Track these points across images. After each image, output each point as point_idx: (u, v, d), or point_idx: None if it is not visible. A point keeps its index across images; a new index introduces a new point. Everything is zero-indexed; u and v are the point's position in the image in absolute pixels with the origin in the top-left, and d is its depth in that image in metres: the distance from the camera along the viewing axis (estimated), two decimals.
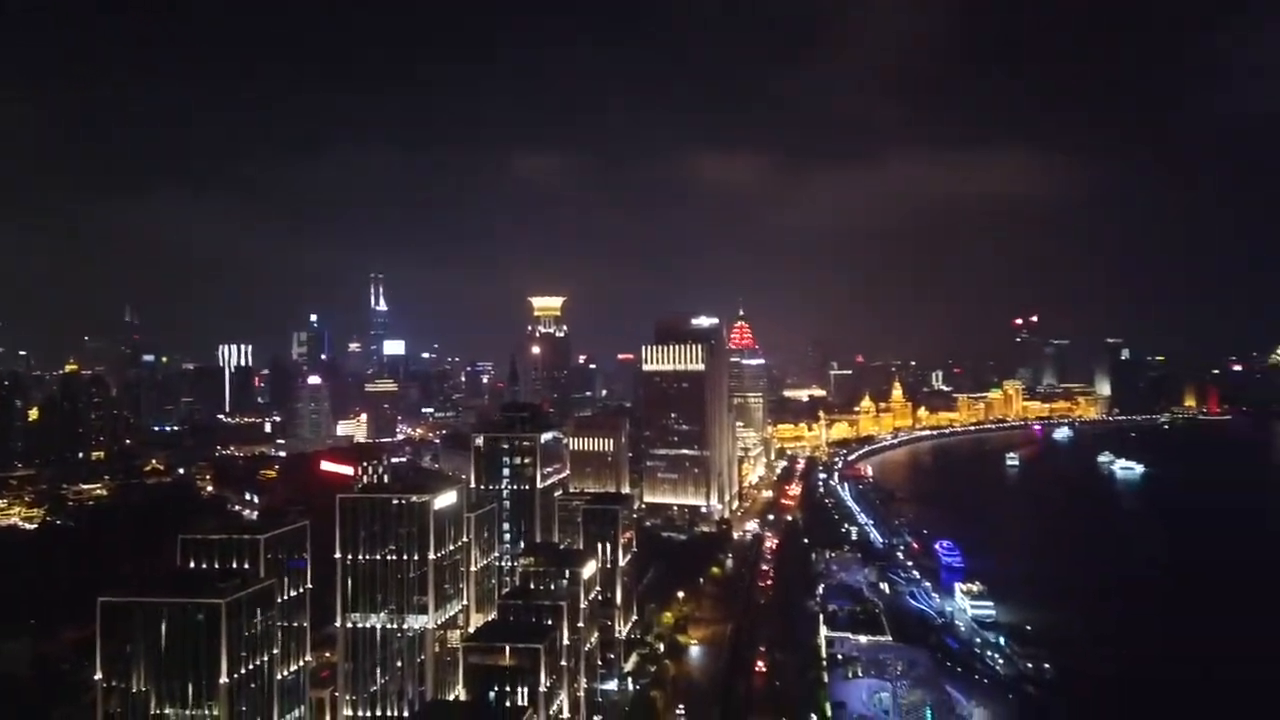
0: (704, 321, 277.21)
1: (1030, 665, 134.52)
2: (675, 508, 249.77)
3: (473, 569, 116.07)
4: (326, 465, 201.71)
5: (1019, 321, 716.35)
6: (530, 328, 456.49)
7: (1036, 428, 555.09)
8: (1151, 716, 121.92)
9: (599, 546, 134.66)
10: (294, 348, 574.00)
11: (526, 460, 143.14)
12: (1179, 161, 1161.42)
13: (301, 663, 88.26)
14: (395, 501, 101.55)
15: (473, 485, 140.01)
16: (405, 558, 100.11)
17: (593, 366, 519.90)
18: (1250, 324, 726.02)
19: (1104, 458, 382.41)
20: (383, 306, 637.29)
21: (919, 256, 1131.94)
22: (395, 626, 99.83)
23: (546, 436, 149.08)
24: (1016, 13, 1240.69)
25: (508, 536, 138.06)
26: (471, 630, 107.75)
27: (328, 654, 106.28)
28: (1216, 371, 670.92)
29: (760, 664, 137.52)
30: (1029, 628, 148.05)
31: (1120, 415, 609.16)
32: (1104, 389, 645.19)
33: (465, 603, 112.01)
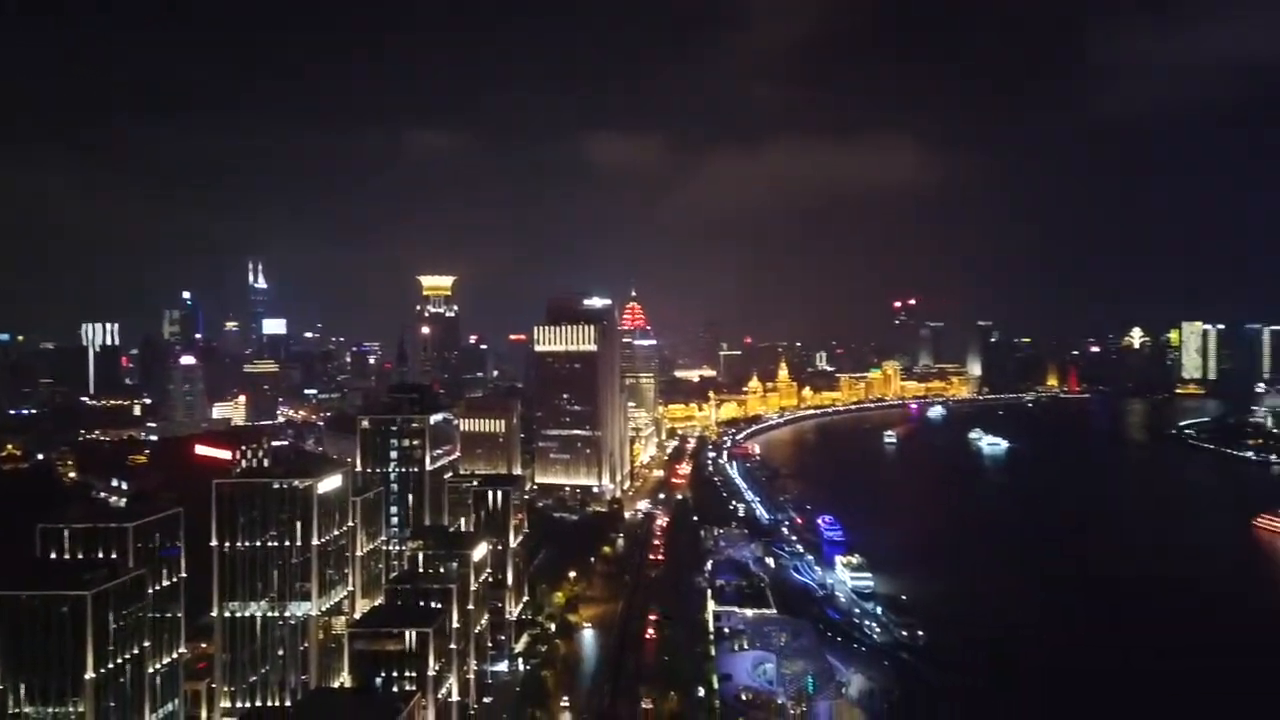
0: (596, 302, 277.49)
1: (904, 633, 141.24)
2: (567, 488, 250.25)
3: (358, 554, 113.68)
4: (202, 449, 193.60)
5: (898, 305, 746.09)
6: (419, 307, 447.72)
7: (913, 406, 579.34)
8: (1015, 677, 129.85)
9: (490, 528, 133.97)
10: (166, 327, 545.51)
11: (415, 442, 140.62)
12: (1048, 158, 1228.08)
13: (175, 655, 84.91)
14: (276, 486, 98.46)
15: (359, 469, 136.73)
16: (287, 544, 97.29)
17: (484, 347, 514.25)
18: (1107, 309, 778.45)
19: (974, 434, 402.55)
20: (262, 284, 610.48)
21: (805, 241, 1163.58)
22: (276, 615, 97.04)
23: (436, 418, 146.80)
24: (903, 9, 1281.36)
25: (396, 520, 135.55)
26: (357, 616, 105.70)
27: (204, 645, 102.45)
28: (1076, 353, 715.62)
29: (650, 640, 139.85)
30: (904, 597, 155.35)
31: (990, 394, 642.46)
32: (975, 369, 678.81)
33: (351, 588, 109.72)
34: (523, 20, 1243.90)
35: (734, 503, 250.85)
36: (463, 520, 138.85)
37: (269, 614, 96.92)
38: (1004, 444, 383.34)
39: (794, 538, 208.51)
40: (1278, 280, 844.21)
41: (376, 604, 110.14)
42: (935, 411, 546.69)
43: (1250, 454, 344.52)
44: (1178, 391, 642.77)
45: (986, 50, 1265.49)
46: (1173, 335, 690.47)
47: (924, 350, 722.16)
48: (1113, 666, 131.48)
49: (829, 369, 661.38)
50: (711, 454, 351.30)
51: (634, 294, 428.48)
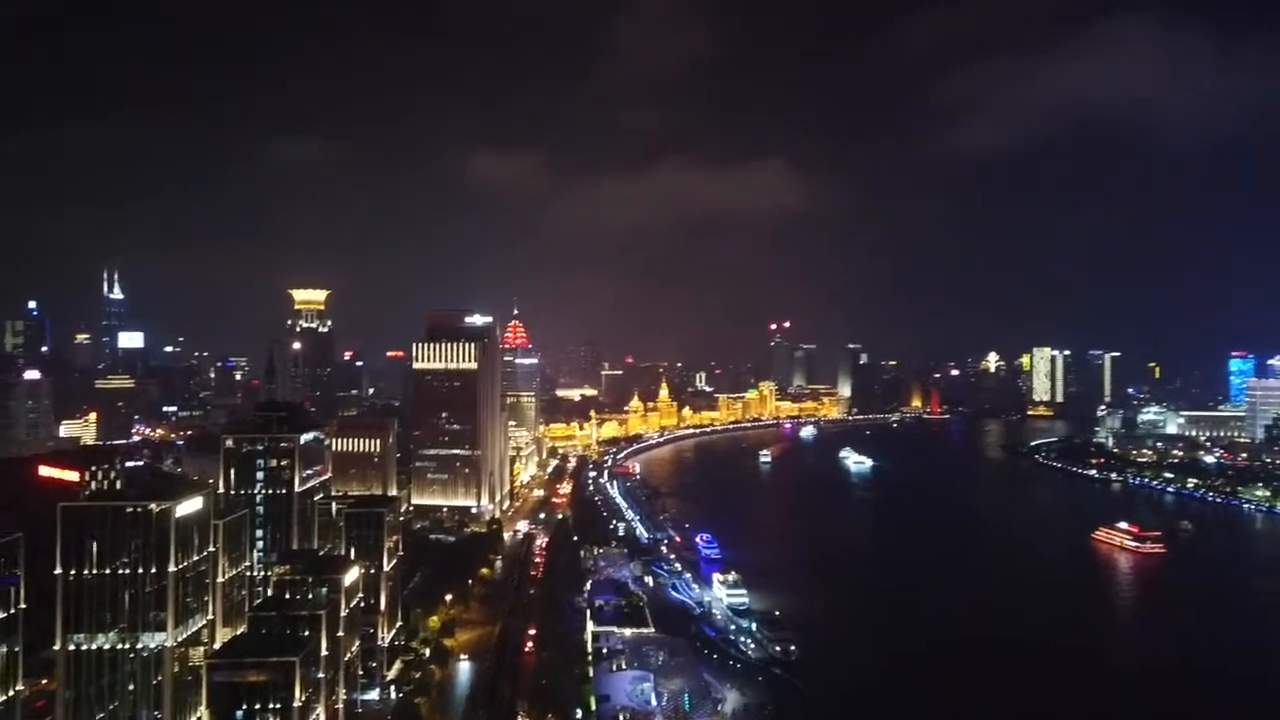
0: (478, 320, 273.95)
1: (778, 648, 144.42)
2: (445, 509, 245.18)
3: (220, 580, 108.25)
4: (46, 470, 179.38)
5: (774, 327, 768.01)
6: (291, 322, 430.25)
7: (787, 426, 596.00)
8: (884, 687, 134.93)
9: (362, 551, 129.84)
10: (8, 338, 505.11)
11: (284, 462, 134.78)
12: (911, 189, 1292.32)
13: (13, 692, 78.53)
14: (129, 509, 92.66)
15: (221, 490, 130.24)
16: (140, 571, 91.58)
17: (359, 364, 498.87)
18: (966, 333, 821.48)
19: (844, 454, 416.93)
20: (118, 295, 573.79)
21: (686, 264, 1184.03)
22: (127, 647, 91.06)
23: (306, 437, 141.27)
24: (777, 42, 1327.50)
25: (261, 544, 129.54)
26: (217, 646, 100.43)
27: (45, 681, 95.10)
28: (938, 375, 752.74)
29: (527, 662, 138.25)
30: (777, 613, 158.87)
31: (859, 414, 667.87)
32: (845, 390, 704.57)
33: (210, 617, 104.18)
34: (407, 35, 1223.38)
35: (614, 522, 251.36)
36: (334, 544, 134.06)
37: (119, 646, 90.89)
38: (869, 462, 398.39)
39: (673, 556, 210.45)
40: (1116, 311, 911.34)
41: (239, 633, 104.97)
42: (807, 431, 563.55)
43: (1093, 472, 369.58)
44: (1029, 413, 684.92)
45: (852, 84, 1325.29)
46: (1025, 360, 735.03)
47: (798, 371, 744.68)
48: (973, 668, 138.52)
49: (708, 389, 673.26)
50: (592, 473, 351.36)
51: (516, 312, 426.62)
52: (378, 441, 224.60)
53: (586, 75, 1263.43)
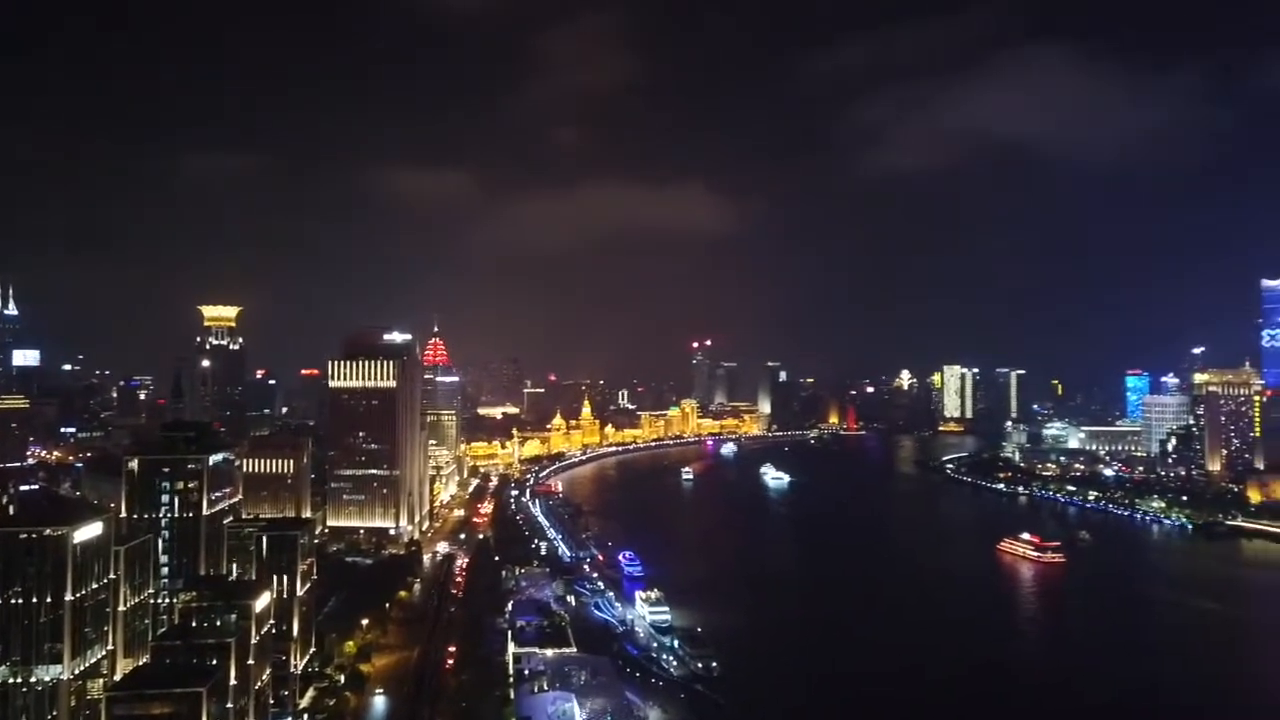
0: (397, 337, 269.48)
1: (700, 665, 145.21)
2: (362, 531, 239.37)
3: (121, 609, 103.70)
4: None
5: (695, 345, 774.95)
6: (200, 339, 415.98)
7: (709, 443, 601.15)
8: (804, 702, 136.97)
9: (275, 576, 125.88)
10: None
11: (191, 485, 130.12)
12: (826, 211, 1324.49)
13: None
14: (23, 536, 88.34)
15: (124, 515, 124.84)
16: (35, 600, 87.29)
17: (272, 382, 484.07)
18: (881, 352, 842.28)
19: (764, 470, 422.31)
20: (12, 310, 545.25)
21: (609, 281, 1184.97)
22: (19, 680, 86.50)
23: (216, 458, 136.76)
24: (701, 67, 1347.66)
25: (167, 571, 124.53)
26: (118, 678, 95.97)
27: None
28: (854, 392, 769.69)
29: (447, 686, 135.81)
30: (699, 629, 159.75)
31: (779, 431, 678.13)
32: (765, 407, 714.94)
33: (111, 647, 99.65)
34: (328, 49, 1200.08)
35: (536, 541, 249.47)
36: (244, 569, 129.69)
37: (10, 680, 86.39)
38: (787, 478, 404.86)
39: (595, 574, 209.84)
40: (1020, 331, 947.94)
41: (142, 664, 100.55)
42: (728, 448, 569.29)
43: (1001, 485, 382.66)
44: (940, 429, 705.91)
45: (774, 109, 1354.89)
46: (936, 378, 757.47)
47: (719, 389, 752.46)
48: (888, 679, 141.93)
49: (631, 407, 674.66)
50: (514, 492, 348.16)
51: (437, 330, 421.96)
52: (291, 462, 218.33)
53: (513, 93, 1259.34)
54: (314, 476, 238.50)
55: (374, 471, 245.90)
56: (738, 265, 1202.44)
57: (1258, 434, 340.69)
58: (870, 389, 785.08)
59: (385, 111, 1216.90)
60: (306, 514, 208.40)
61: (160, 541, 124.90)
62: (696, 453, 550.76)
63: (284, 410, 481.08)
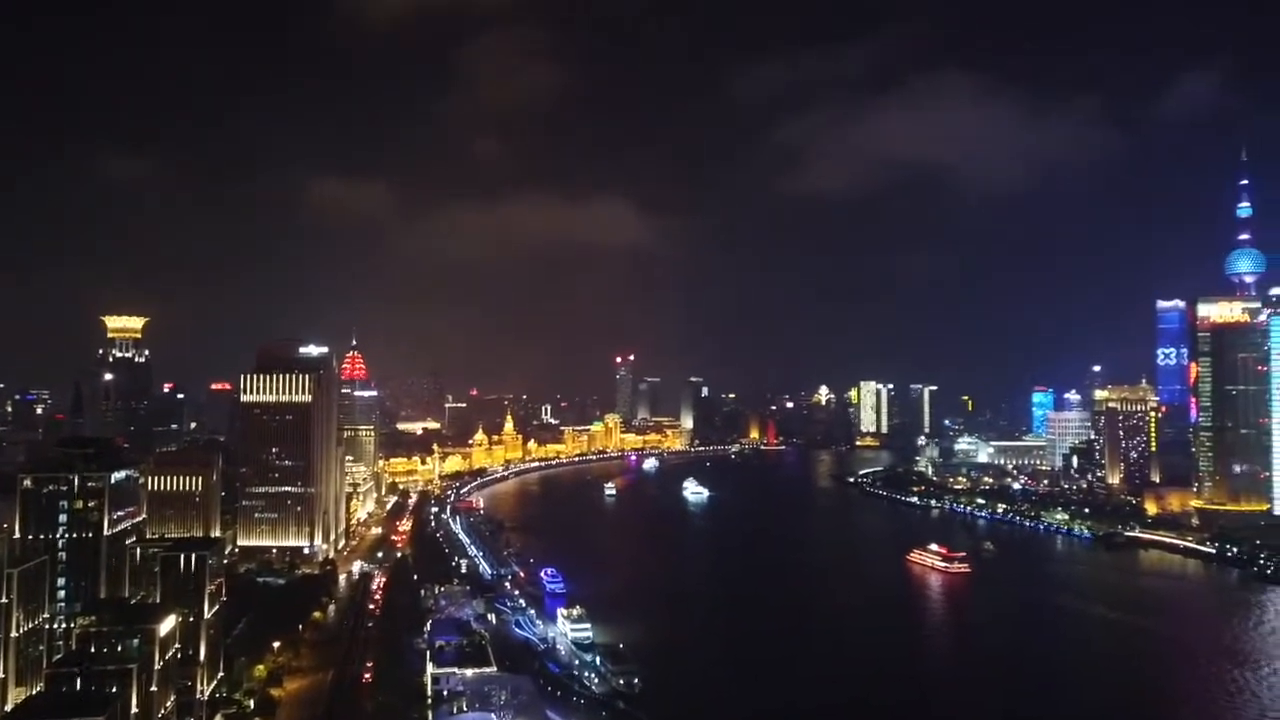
0: (313, 350, 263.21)
1: (622, 682, 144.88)
2: (274, 550, 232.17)
3: (14, 635, 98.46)
4: None
5: (618, 360, 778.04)
6: (102, 351, 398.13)
7: (632, 458, 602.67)
8: (725, 714, 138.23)
9: (180, 598, 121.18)
10: None
11: (91, 503, 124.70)
12: (746, 228, 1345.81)
13: None
14: None
15: (17, 535, 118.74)
16: None
17: (180, 396, 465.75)
18: (801, 367, 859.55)
19: (687, 484, 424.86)
20: None
21: (532, 296, 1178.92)
22: None
23: (118, 475, 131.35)
24: (627, 83, 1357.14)
25: (64, 594, 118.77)
26: (10, 708, 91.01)
27: None
28: (775, 407, 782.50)
29: (362, 709, 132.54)
30: (621, 645, 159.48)
31: (701, 446, 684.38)
32: (688, 422, 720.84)
33: (2, 675, 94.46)
34: (246, 55, 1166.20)
35: (456, 559, 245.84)
36: (148, 591, 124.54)
37: None
38: (706, 493, 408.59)
39: (517, 592, 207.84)
40: (933, 348, 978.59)
41: (36, 692, 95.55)
42: (650, 463, 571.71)
43: (914, 499, 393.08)
44: (857, 443, 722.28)
45: (697, 126, 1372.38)
46: (853, 393, 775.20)
47: (642, 404, 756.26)
48: (803, 686, 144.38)
49: (554, 421, 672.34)
50: (434, 509, 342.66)
51: (355, 343, 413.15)
52: (199, 479, 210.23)
53: (437, 105, 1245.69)
54: (224, 494, 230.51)
55: (288, 489, 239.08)
56: (661, 280, 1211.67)
57: (1154, 449, 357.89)
58: (790, 404, 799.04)
59: (306, 122, 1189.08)
60: (216, 533, 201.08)
61: (56, 563, 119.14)
62: (619, 468, 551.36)
63: (193, 425, 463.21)
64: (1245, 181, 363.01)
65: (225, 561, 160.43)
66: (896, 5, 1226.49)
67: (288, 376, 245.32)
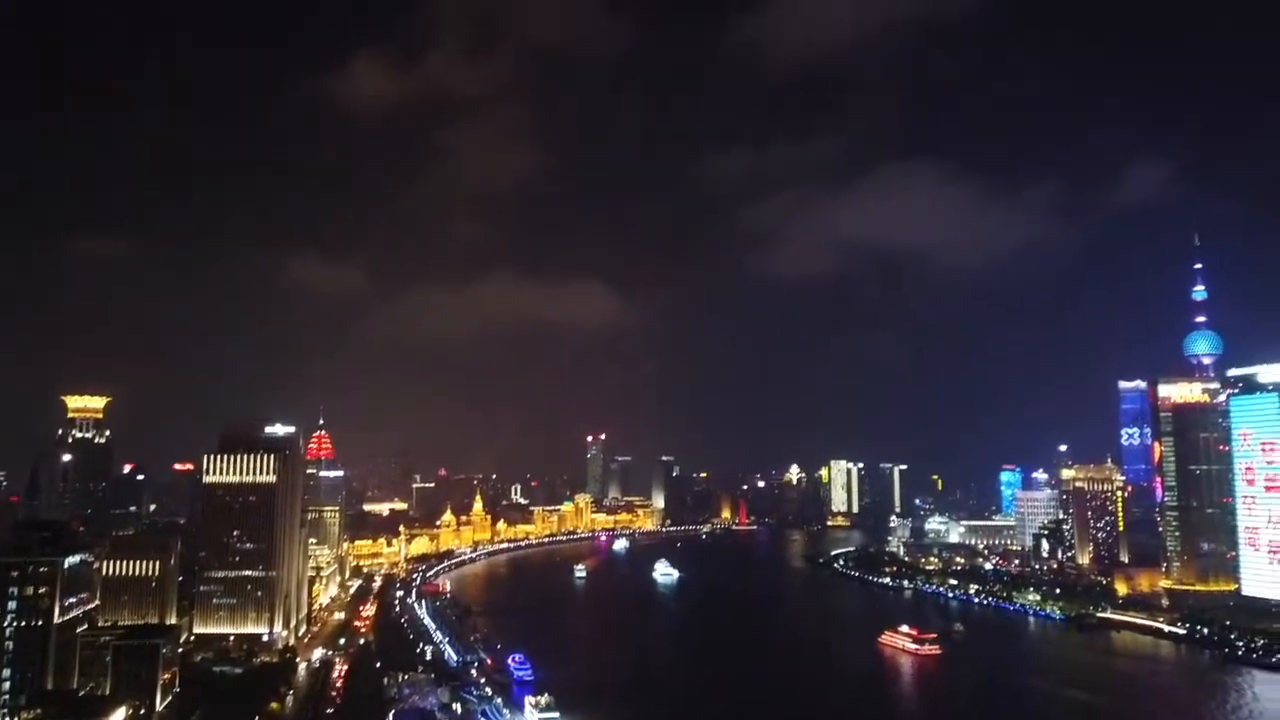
0: (279, 430, 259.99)
1: None
2: (232, 637, 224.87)
3: None
4: None
5: (590, 438, 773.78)
6: (61, 431, 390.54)
7: (603, 539, 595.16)
8: None
9: (131, 689, 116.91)
10: None
11: (42, 590, 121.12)
12: (718, 309, 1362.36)
13: None
14: None
15: None
16: None
17: (140, 477, 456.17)
18: (772, 446, 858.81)
19: (658, 565, 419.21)
20: None
21: (503, 374, 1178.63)
22: None
23: (72, 560, 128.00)
24: (601, 168, 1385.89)
25: (9, 686, 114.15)
26: None
27: None
28: (746, 487, 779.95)
29: None
30: None
31: (672, 526, 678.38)
32: (659, 502, 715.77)
33: None
34: (222, 130, 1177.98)
35: (421, 645, 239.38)
36: (97, 682, 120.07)
37: None
38: (676, 574, 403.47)
39: (483, 679, 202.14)
40: (899, 426, 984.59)
41: None
42: (620, 544, 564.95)
43: (887, 580, 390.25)
44: (829, 523, 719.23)
45: (668, 211, 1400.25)
46: (824, 472, 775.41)
47: (614, 483, 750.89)
48: None
49: (524, 501, 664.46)
50: (399, 593, 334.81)
51: (322, 422, 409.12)
52: (157, 563, 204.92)
53: (414, 186, 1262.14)
54: (182, 579, 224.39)
55: (248, 573, 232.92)
56: (633, 359, 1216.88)
57: (1122, 528, 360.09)
58: (762, 483, 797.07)
59: (282, 200, 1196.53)
60: (171, 620, 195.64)
61: (3, 653, 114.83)
62: (590, 549, 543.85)
63: (152, 507, 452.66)
64: (1199, 266, 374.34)
65: (180, 650, 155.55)
66: (862, 97, 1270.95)
67: (252, 457, 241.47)
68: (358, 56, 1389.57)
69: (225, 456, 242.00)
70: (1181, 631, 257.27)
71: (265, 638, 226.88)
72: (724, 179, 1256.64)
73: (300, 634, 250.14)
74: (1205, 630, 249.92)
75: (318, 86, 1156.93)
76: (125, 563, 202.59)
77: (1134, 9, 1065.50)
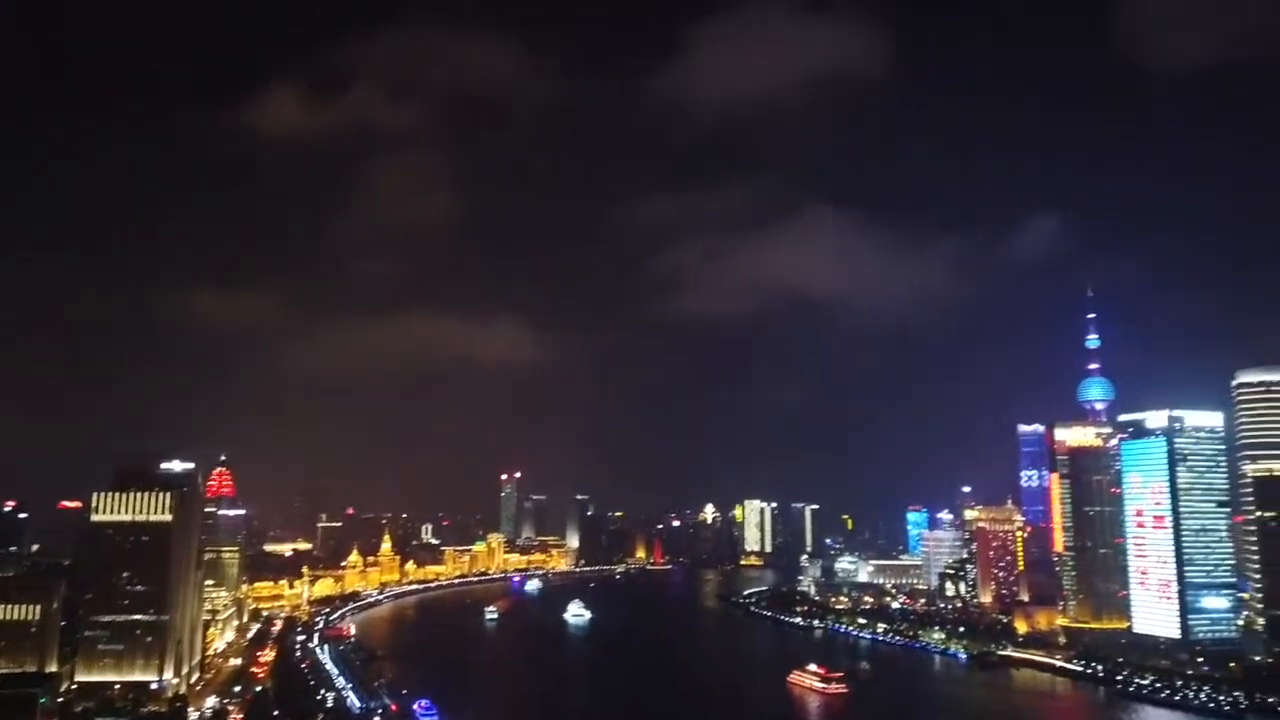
0: (176, 466, 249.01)
1: None
2: (118, 686, 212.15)
3: None
4: None
5: (505, 476, 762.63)
6: None
7: (515, 579, 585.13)
8: None
9: None
10: None
11: None
12: (637, 351, 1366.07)
13: None
14: None
15: None
16: None
17: (23, 516, 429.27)
18: (687, 485, 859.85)
19: (570, 607, 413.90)
20: None
21: (416, 412, 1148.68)
22: None
23: None
24: (517, 209, 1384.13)
25: None
26: None
27: None
28: (661, 526, 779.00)
29: None
30: None
31: (586, 566, 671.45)
32: (573, 542, 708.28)
33: None
34: (131, 164, 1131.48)
35: (322, 691, 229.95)
36: None
37: None
38: (587, 615, 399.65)
39: None
40: (811, 466, 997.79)
41: None
42: (532, 585, 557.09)
43: (798, 619, 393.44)
44: (742, 563, 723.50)
45: (584, 253, 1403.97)
46: (738, 512, 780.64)
47: (527, 522, 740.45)
48: None
49: (435, 541, 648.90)
50: (301, 637, 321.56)
51: (224, 458, 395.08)
52: (37, 607, 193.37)
53: (330, 220, 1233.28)
54: (65, 624, 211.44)
55: (138, 617, 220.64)
56: (549, 398, 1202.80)
57: (1021, 568, 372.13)
58: (677, 522, 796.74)
59: (188, 231, 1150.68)
60: (52, 668, 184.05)
61: None
62: (501, 589, 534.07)
63: (34, 548, 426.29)
64: (1092, 315, 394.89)
65: (60, 700, 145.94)
66: (777, 147, 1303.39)
67: (146, 494, 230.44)
68: (273, 88, 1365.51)
69: (117, 494, 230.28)
70: (1077, 668, 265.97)
71: (154, 686, 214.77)
72: (644, 223, 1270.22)
73: (192, 681, 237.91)
74: (1099, 667, 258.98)
75: (228, 117, 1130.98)
76: (2, 607, 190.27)
77: (1030, 73, 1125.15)
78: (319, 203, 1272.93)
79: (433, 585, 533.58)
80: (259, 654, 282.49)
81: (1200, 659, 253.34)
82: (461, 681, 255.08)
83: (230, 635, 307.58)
